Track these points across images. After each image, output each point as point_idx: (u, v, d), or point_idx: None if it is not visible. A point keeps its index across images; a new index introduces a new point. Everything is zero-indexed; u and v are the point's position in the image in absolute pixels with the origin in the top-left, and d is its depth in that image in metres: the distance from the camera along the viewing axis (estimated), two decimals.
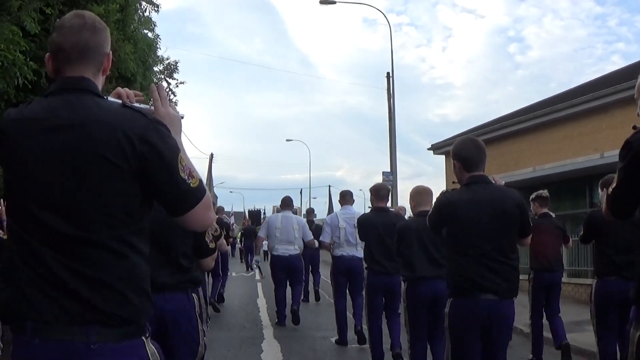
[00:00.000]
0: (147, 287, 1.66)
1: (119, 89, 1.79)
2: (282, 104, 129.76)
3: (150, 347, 1.66)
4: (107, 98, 1.72)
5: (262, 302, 10.90)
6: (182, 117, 1.84)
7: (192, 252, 3.28)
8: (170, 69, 17.65)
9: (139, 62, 10.94)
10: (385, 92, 20.91)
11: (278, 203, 9.68)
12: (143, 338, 1.64)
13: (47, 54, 1.76)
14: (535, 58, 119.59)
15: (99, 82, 1.76)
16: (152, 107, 1.78)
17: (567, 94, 17.08)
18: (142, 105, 1.76)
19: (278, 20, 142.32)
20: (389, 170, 20.32)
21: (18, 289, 1.58)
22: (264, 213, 28.50)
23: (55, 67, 1.73)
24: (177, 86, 18.09)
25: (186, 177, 1.65)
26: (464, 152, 3.64)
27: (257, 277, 16.71)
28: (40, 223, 1.58)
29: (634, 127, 2.41)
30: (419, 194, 5.31)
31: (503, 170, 16.48)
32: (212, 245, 3.43)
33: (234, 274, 17.78)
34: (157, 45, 13.43)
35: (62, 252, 1.56)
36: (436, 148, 19.73)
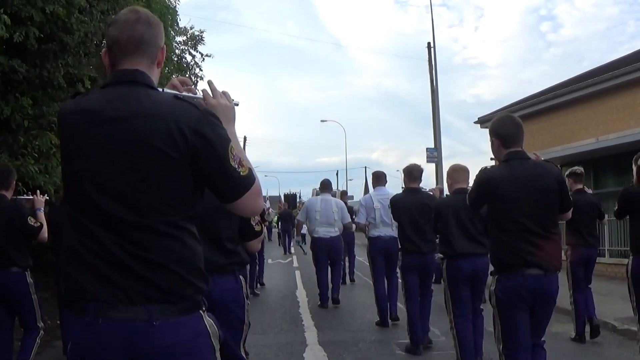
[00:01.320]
0: (201, 266, 1.88)
1: (174, 79, 2.08)
2: (316, 87, 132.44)
3: (208, 320, 1.89)
4: (163, 90, 1.96)
5: (301, 295, 10.98)
6: (237, 105, 2.07)
7: (237, 235, 3.62)
8: (195, 40, 16.65)
9: None
10: (427, 64, 21.17)
11: (313, 186, 10.71)
12: (200, 312, 1.87)
13: (104, 49, 2.01)
14: (567, 36, 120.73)
15: (154, 74, 1.97)
16: (201, 96, 2.01)
17: (626, 59, 17.09)
18: (192, 95, 2.00)
19: (309, 3, 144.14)
20: (432, 146, 20.68)
21: (80, 273, 1.79)
22: (300, 197, 29.31)
23: (112, 60, 1.95)
24: (203, 59, 16.78)
25: (236, 166, 1.84)
26: (502, 129, 3.91)
27: (295, 263, 17.36)
28: (99, 209, 1.79)
29: None
30: (456, 172, 5.78)
31: (558, 142, 16.67)
32: (257, 228, 3.73)
33: (269, 260, 18.30)
34: (177, 13, 12.92)
35: (121, 235, 1.77)
36: (483, 122, 20.34)
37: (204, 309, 1.90)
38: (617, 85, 14.59)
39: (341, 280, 10.57)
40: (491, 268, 3.96)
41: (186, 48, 16.65)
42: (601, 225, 8.56)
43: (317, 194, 10.56)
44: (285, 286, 12.29)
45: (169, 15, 12.37)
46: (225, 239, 3.51)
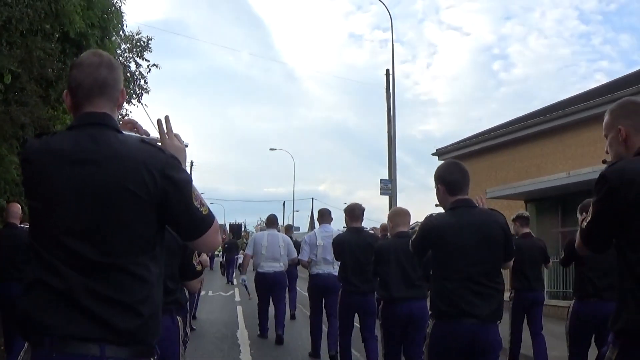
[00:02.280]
0: (159, 309, 2.05)
1: (126, 119, 2.32)
2: (266, 117, 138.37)
3: None
4: (123, 132, 2.15)
5: (242, 336, 10.68)
6: (187, 146, 2.30)
7: (177, 273, 3.72)
8: (141, 47, 16.21)
9: (93, 22, 10.30)
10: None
11: (259, 215, 11.42)
12: (152, 359, 2.02)
13: (65, 90, 2.19)
14: (519, 76, 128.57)
15: (115, 116, 2.18)
16: (159, 138, 2.24)
17: (600, 90, 17.47)
18: (154, 138, 2.24)
19: (265, 33, 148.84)
20: (386, 178, 20.96)
21: (40, 306, 1.91)
22: (245, 226, 29.65)
23: (75, 102, 2.14)
24: (150, 70, 16.39)
25: (198, 206, 2.08)
26: (449, 176, 4.05)
27: (237, 297, 17.22)
28: (66, 248, 1.93)
29: (604, 162, 2.77)
30: (397, 215, 6.15)
31: (522, 176, 16.84)
32: (199, 268, 3.87)
33: (210, 292, 18.13)
34: (123, 16, 12.46)
35: (86, 275, 1.91)
36: (441, 154, 21.17)
37: (155, 357, 2.05)
38: (588, 118, 14.89)
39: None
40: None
41: (131, 56, 16.24)
42: (546, 270, 9.20)
43: (262, 229, 11.07)
44: (225, 324, 12.07)
45: (112, 15, 11.85)
46: (166, 277, 3.56)
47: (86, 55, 2.20)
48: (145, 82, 16.46)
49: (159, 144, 2.20)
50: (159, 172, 2.00)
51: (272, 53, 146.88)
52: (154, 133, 2.31)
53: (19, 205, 6.89)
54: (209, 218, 2.12)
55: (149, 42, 16.36)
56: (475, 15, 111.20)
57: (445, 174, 4.07)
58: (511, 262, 4.20)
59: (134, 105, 16.42)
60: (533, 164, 17.43)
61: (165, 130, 2.25)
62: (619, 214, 2.45)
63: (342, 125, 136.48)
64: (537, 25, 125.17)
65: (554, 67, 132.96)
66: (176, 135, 2.28)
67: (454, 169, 4.13)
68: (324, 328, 8.77)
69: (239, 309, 14.57)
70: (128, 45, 15.99)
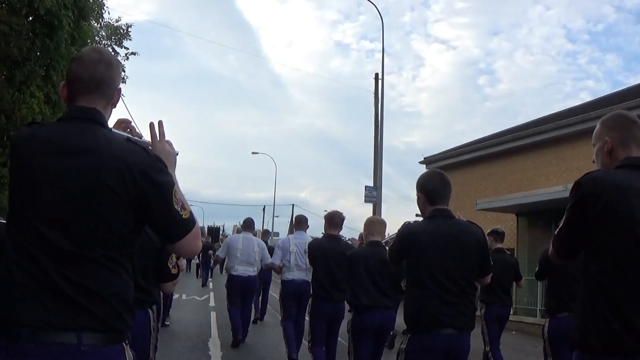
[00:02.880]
0: (131, 302, 2.15)
1: (120, 119, 2.44)
2: (250, 122, 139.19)
3: (129, 353, 2.16)
4: (111, 130, 2.25)
5: (214, 346, 10.31)
6: (177, 154, 2.42)
7: (152, 274, 3.89)
8: (120, 35, 16.58)
9: (66, 3, 10.34)
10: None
11: (239, 220, 11.79)
12: (124, 344, 2.13)
13: (63, 81, 2.30)
14: (504, 91, 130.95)
15: (107, 113, 2.29)
16: (150, 141, 2.35)
17: (596, 103, 17.31)
18: (143, 141, 2.32)
19: (253, 39, 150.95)
20: (371, 185, 20.81)
21: (16, 297, 1.99)
22: (224, 230, 29.55)
23: (71, 95, 2.25)
24: (127, 58, 16.82)
25: (179, 209, 2.17)
26: (430, 184, 4.15)
27: (212, 302, 17.13)
28: (42, 236, 2.02)
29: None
30: (372, 224, 6.24)
31: (514, 189, 16.55)
32: (174, 271, 4.00)
33: (184, 296, 18.01)
34: (103, 2, 12.69)
35: (61, 264, 2.00)
36: (429, 162, 21.21)
37: (127, 342, 2.15)
38: (584, 130, 14.74)
39: (252, 319, 11.29)
40: (400, 323, 4.18)
41: (109, 43, 16.38)
42: (518, 287, 9.61)
43: (239, 231, 11.39)
44: (197, 332, 11.68)
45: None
46: (141, 276, 3.73)
47: (87, 51, 2.31)
48: (123, 70, 16.33)
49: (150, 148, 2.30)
50: (140, 172, 2.09)
51: (259, 59, 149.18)
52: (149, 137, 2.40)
53: None
54: (190, 223, 2.21)
55: (129, 29, 16.62)
56: (463, 29, 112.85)
57: (426, 182, 4.17)
58: (488, 278, 4.25)
59: None
60: (525, 176, 17.29)
61: (157, 135, 2.38)
62: (589, 221, 2.55)
63: (326, 133, 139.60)
64: (524, 42, 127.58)
65: (539, 84, 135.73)
66: (168, 142, 2.40)
67: (436, 177, 4.22)
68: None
69: (213, 315, 14.31)
70: (107, 32, 16.18)
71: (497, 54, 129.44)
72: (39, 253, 2.00)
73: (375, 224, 6.23)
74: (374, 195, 20.10)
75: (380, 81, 22.11)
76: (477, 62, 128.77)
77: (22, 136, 2.19)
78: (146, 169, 2.10)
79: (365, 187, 20.90)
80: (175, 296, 14.87)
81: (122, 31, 16.24)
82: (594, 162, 2.89)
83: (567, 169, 15.74)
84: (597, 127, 2.88)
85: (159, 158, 2.20)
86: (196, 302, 17.54)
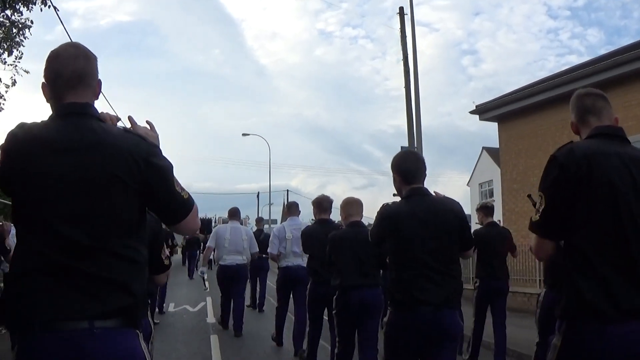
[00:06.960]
0: (145, 288, 2.23)
1: (104, 114, 2.37)
2: (238, 114, 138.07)
3: (142, 342, 2.21)
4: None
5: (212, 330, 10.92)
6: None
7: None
8: None
9: None
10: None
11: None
12: (137, 331, 2.18)
13: (43, 81, 2.29)
14: (488, 71, 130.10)
15: (94, 105, 2.31)
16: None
17: None
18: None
19: (236, 32, 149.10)
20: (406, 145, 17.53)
21: (31, 293, 2.04)
22: (215, 221, 29.70)
23: (55, 93, 2.26)
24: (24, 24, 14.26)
25: (180, 190, 2.29)
26: (404, 164, 4.23)
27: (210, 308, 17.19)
28: (58, 234, 2.06)
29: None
30: (349, 205, 6.33)
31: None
32: (166, 262, 3.98)
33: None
34: None
35: (79, 259, 2.05)
36: (481, 112, 18.50)
37: (140, 330, 2.20)
38: None
39: (250, 305, 11.50)
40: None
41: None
42: (514, 258, 9.11)
43: (225, 222, 11.32)
44: (194, 316, 12.17)
45: None
46: None
47: (63, 47, 2.30)
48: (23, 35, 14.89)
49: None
50: (143, 160, 2.17)
51: (243, 52, 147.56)
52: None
53: None
54: (190, 202, 2.33)
55: None
56: (444, 11, 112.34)
57: (400, 162, 4.24)
58: (470, 251, 4.34)
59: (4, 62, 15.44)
60: (631, 115, 12.96)
61: (135, 123, 2.44)
62: (571, 190, 2.54)
63: (313, 121, 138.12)
64: (505, 21, 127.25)
65: (522, 61, 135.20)
66: (149, 123, 2.48)
67: (410, 157, 4.34)
68: (291, 316, 9.14)
69: (209, 300, 14.61)
70: None
71: (480, 34, 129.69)
72: (55, 251, 2.03)
73: (352, 204, 6.33)
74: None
75: (406, 16, 18.53)
76: (460, 43, 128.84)
77: (18, 137, 2.18)
78: (147, 156, 2.18)
79: (401, 147, 17.97)
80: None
81: None
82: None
83: None
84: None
85: (155, 144, 2.30)
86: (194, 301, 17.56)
